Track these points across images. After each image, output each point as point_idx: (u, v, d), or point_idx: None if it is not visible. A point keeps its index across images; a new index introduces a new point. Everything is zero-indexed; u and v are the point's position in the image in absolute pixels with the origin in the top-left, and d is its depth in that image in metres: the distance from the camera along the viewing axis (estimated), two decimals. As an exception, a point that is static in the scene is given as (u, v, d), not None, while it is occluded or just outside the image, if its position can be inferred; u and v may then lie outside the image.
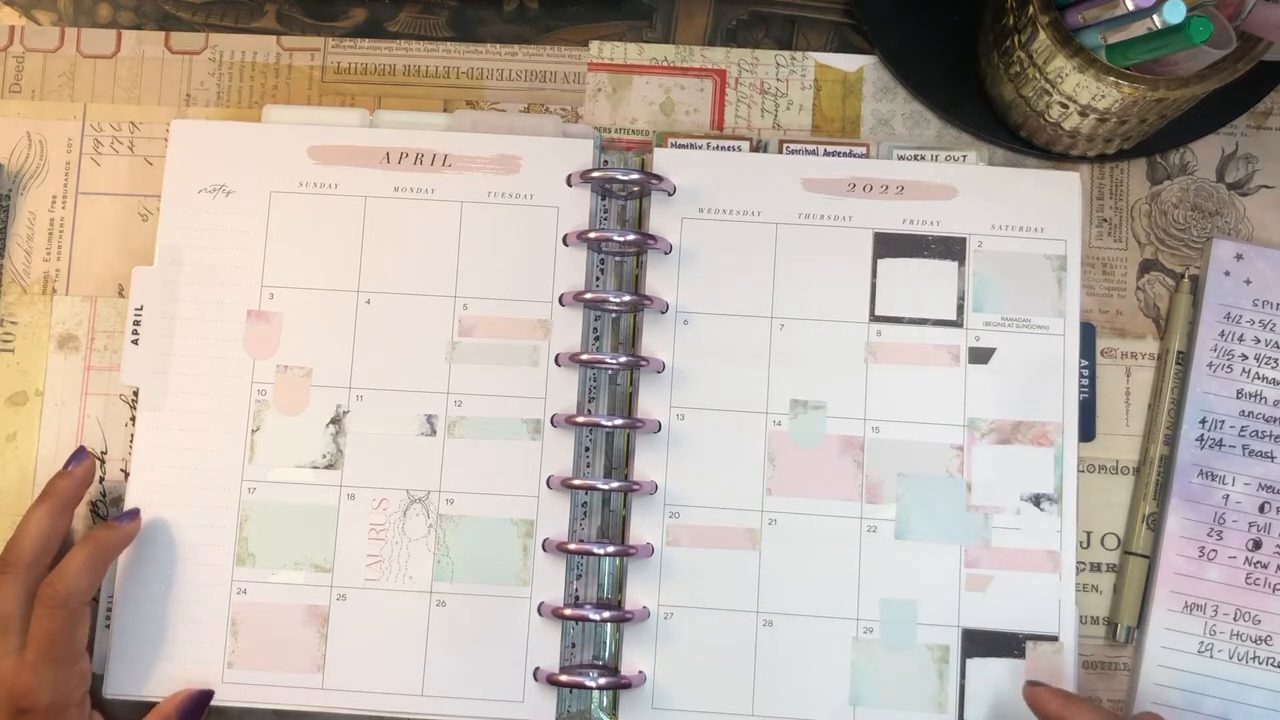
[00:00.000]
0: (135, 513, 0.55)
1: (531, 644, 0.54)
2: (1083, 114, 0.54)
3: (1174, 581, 0.56)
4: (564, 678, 0.53)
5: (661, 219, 0.57)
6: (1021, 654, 0.54)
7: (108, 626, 0.55)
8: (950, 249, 0.57)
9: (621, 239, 0.56)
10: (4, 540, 0.53)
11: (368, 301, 0.57)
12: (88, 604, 0.52)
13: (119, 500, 0.57)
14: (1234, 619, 0.55)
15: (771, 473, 0.55)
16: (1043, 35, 0.51)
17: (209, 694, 0.54)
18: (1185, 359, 0.57)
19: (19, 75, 0.61)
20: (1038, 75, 0.53)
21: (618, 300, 0.56)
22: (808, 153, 0.58)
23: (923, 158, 0.58)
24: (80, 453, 0.55)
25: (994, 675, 0.54)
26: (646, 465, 0.56)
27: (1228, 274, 0.57)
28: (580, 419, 0.55)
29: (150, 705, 0.55)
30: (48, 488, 0.54)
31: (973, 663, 0.54)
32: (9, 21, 0.62)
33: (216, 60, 0.61)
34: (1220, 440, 0.56)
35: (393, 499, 0.56)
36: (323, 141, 0.58)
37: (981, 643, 0.54)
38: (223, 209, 0.57)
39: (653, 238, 0.56)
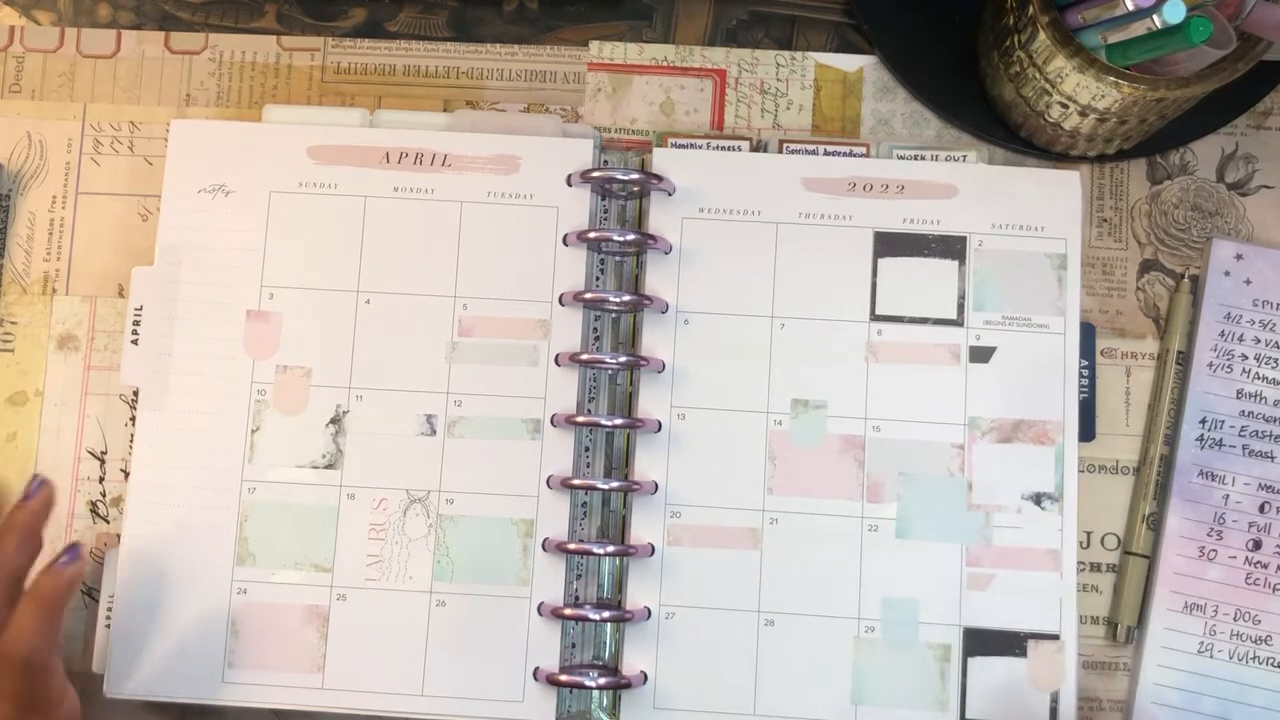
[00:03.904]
0: (76, 550, 0.48)
1: (531, 644, 0.54)
2: (1083, 114, 0.54)
3: (1174, 581, 0.56)
4: (564, 678, 0.53)
5: (661, 219, 0.57)
6: (1023, 653, 0.54)
7: (108, 626, 0.55)
8: (951, 248, 0.57)
9: (621, 239, 0.56)
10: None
11: (367, 301, 0.57)
12: (58, 649, 0.48)
13: (119, 500, 0.57)
14: (1234, 619, 0.55)
15: (772, 472, 0.55)
16: (1043, 35, 0.51)
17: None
18: (1185, 359, 0.57)
19: (19, 75, 0.61)
20: (1038, 75, 0.53)
21: (618, 300, 0.55)
22: (808, 153, 0.58)
23: (923, 158, 0.58)
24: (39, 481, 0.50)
25: (995, 674, 0.54)
26: (647, 465, 0.55)
27: (1228, 274, 0.57)
28: (580, 419, 0.55)
29: (150, 706, 0.55)
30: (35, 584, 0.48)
31: (974, 661, 0.54)
32: (9, 21, 0.62)
33: (216, 60, 0.61)
34: (1220, 440, 0.56)
35: (393, 499, 0.56)
36: (322, 141, 0.58)
37: (983, 641, 0.54)
38: (223, 209, 0.57)
39: (653, 238, 0.56)
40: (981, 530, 0.55)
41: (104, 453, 0.58)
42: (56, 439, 0.58)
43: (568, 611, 0.54)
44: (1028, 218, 0.57)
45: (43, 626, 0.47)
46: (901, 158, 0.58)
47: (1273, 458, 0.56)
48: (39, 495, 0.49)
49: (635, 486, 0.55)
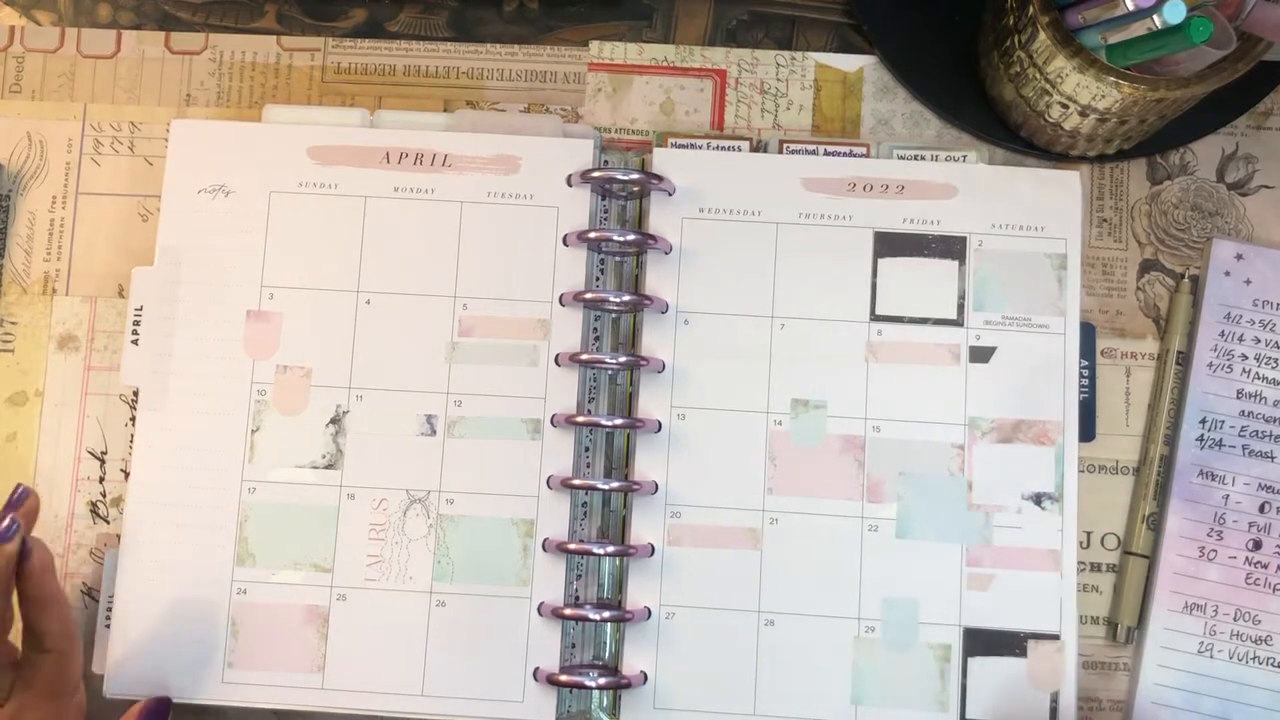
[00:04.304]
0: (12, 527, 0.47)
1: (531, 644, 0.54)
2: (1083, 114, 0.54)
3: (1174, 581, 0.56)
4: (564, 678, 0.53)
5: (661, 219, 0.57)
6: (1023, 653, 0.54)
7: (108, 626, 0.55)
8: (950, 248, 0.57)
9: (621, 239, 0.56)
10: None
11: (368, 301, 0.57)
12: (78, 641, 0.50)
13: (119, 500, 0.57)
14: (1234, 619, 0.55)
15: (772, 472, 0.55)
16: (1043, 35, 0.51)
17: (166, 701, 0.53)
18: (1185, 359, 0.57)
19: (19, 75, 0.61)
20: (1038, 75, 0.53)
21: (618, 300, 0.55)
22: (808, 153, 0.58)
23: (923, 158, 0.58)
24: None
25: (995, 674, 0.54)
26: (647, 465, 0.55)
27: (1228, 274, 0.57)
28: (580, 419, 0.55)
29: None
30: None
31: (974, 661, 0.54)
32: (9, 21, 0.62)
33: (216, 60, 0.61)
34: (1220, 440, 0.56)
35: (393, 499, 0.56)
36: (323, 141, 0.58)
37: (983, 641, 0.54)
38: (223, 209, 0.57)
39: (653, 238, 0.56)
40: (981, 530, 0.55)
41: (104, 453, 0.58)
42: (56, 439, 0.58)
43: (568, 611, 0.54)
44: (1028, 218, 0.57)
45: (45, 616, 0.48)
46: (901, 158, 0.58)
47: (1273, 458, 0.56)
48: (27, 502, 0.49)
49: (635, 486, 0.55)
